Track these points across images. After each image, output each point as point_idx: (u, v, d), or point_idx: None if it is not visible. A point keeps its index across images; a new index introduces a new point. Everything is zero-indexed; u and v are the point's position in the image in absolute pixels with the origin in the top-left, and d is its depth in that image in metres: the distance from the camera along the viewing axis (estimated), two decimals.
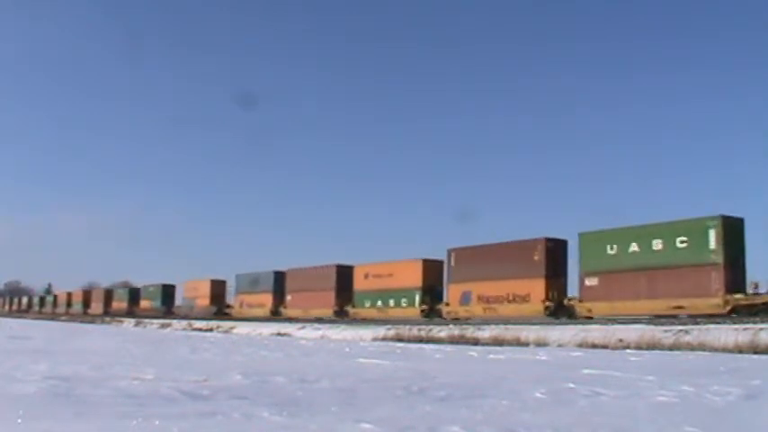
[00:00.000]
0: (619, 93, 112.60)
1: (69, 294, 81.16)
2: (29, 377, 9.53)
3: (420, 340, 27.37)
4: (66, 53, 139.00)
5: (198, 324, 45.04)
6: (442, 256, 32.94)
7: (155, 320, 51.80)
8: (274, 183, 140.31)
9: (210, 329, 41.35)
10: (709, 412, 7.31)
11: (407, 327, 29.69)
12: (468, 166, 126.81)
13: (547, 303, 26.96)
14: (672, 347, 19.80)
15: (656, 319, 23.47)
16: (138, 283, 73.04)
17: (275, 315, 42.96)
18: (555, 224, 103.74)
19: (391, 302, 34.56)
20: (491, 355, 18.04)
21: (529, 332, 24.36)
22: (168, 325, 47.88)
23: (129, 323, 54.31)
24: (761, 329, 18.99)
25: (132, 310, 62.95)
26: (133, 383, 9.13)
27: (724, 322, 20.97)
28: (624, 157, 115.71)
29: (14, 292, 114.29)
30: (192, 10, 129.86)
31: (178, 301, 58.39)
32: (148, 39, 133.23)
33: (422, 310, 32.55)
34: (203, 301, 52.33)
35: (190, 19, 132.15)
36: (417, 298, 33.03)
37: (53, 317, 75.21)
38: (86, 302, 74.52)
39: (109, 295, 70.91)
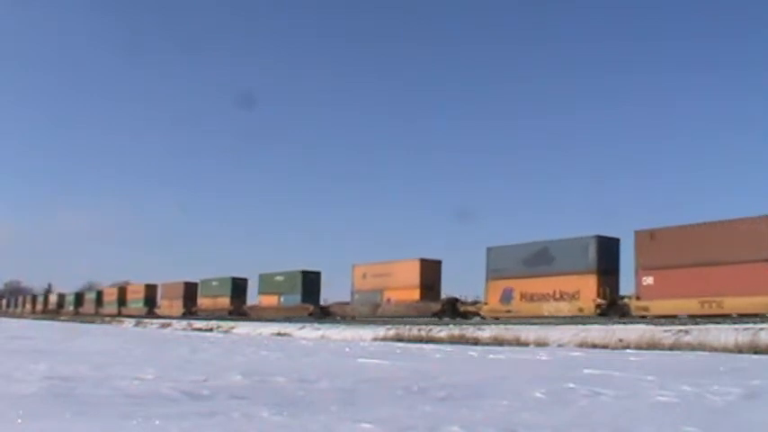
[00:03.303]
0: (619, 93, 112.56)
1: (123, 290, 64.14)
2: (29, 377, 9.54)
3: (420, 340, 27.36)
4: (65, 52, 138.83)
5: (198, 324, 44.83)
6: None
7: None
8: (274, 183, 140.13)
9: (210, 329, 41.34)
10: (710, 412, 7.31)
11: (407, 327, 29.68)
12: (468, 166, 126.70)
13: None
14: (672, 347, 19.80)
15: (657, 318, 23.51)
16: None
17: (606, 314, 25.84)
18: (555, 225, 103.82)
19: None
20: (491, 355, 18.05)
21: (529, 332, 24.38)
22: (168, 325, 47.82)
23: (129, 323, 54.09)
24: (761, 329, 19.00)
25: (241, 310, 46.80)
26: (133, 383, 9.13)
27: (724, 322, 20.99)
28: (625, 157, 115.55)
29: (15, 291, 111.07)
30: (192, 10, 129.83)
31: (340, 295, 40.94)
32: (148, 38, 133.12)
33: None
34: (406, 293, 34.03)
35: (190, 19, 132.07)
36: None
37: (116, 320, 57.14)
38: (150, 300, 58.35)
39: (191, 290, 52.94)
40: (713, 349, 18.87)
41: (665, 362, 15.42)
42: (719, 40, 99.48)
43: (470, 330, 26.77)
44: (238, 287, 48.20)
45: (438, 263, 34.93)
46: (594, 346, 21.54)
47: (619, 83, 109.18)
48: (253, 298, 47.74)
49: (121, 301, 62.66)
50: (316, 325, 35.50)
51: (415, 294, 33.68)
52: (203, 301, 51.40)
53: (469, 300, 33.00)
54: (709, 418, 6.90)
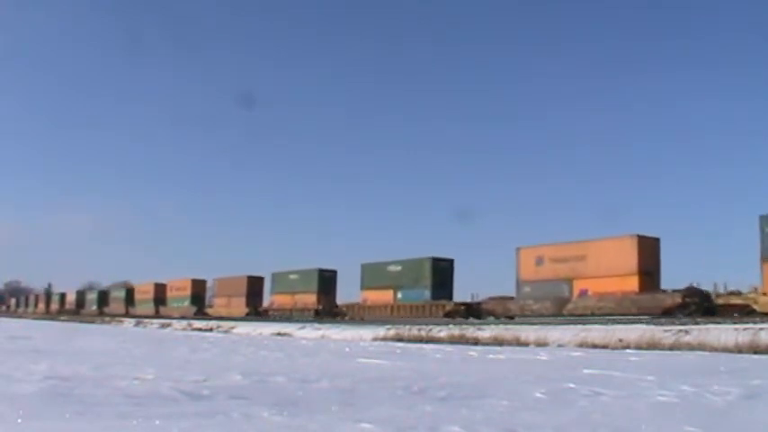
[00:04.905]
0: (619, 93, 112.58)
1: (161, 287, 54.53)
2: (29, 377, 9.53)
3: (420, 340, 27.37)
4: (65, 51, 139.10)
5: (198, 324, 44.72)
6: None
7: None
8: (274, 183, 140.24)
9: (210, 329, 41.31)
10: (709, 412, 7.31)
11: (407, 327, 29.67)
12: (468, 166, 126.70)
13: None
14: (672, 347, 19.80)
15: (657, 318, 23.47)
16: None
17: None
18: (555, 225, 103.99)
19: None
20: (491, 355, 18.04)
21: (529, 332, 24.40)
22: (168, 325, 47.75)
23: (128, 323, 53.94)
24: (761, 329, 19.00)
25: (334, 310, 38.60)
26: (133, 383, 9.13)
27: (724, 322, 20.99)
28: (624, 157, 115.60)
29: (15, 291, 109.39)
30: (192, 10, 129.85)
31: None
32: (148, 38, 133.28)
33: None
34: (614, 283, 25.96)
35: (190, 19, 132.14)
36: None
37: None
38: (198, 298, 50.09)
39: (256, 286, 44.57)
40: (713, 349, 18.87)
41: (665, 362, 15.41)
42: (720, 39, 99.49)
43: (470, 330, 26.80)
44: (326, 281, 40.09)
45: (656, 241, 25.70)
46: (594, 346, 21.54)
47: (618, 83, 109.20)
48: (346, 295, 40.38)
49: (159, 299, 54.55)
50: (316, 325, 35.53)
51: (631, 284, 25.25)
52: (278, 299, 43.11)
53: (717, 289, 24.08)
54: (709, 418, 6.90)
